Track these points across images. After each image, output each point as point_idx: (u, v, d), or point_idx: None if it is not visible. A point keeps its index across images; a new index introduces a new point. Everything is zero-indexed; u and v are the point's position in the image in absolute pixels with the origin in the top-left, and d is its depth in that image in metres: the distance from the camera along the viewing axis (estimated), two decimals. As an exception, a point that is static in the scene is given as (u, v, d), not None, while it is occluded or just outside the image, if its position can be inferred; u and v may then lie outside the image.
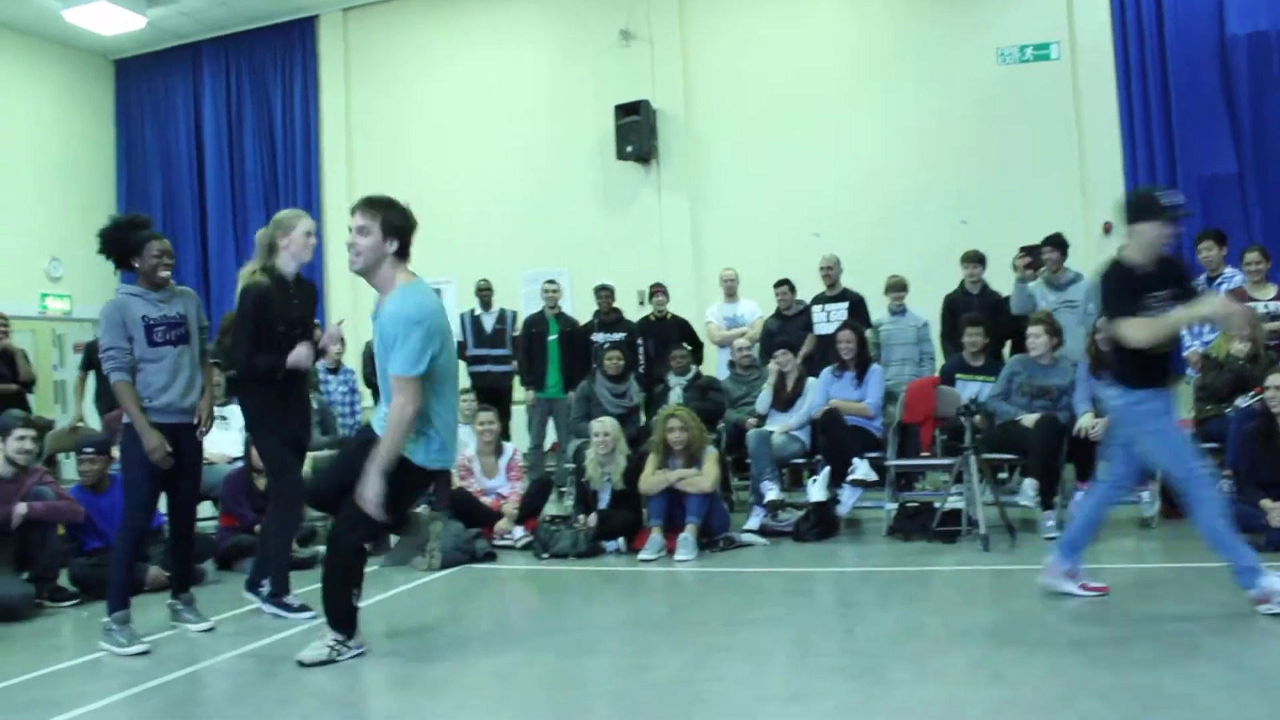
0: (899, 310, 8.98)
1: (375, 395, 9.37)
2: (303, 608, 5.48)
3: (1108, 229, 10.28)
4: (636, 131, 11.80)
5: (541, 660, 4.58)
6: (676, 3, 12.14)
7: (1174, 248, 9.83)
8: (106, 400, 8.68)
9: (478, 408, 8.25)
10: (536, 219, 12.39)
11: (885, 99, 11.30)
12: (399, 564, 6.84)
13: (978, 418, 7.03)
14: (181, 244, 14.15)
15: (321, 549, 6.70)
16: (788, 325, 9.37)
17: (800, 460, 7.96)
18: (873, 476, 7.40)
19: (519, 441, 9.37)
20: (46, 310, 13.39)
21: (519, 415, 10.31)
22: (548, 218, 12.35)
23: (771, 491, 7.46)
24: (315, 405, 7.43)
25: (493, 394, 9.65)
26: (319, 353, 5.85)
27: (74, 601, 6.14)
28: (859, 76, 11.47)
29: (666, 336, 9.73)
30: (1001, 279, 8.86)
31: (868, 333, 8.63)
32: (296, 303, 5.50)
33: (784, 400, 8.10)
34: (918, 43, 11.27)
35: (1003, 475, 8.06)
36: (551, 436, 10.12)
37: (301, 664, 4.40)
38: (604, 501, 7.33)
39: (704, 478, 7.00)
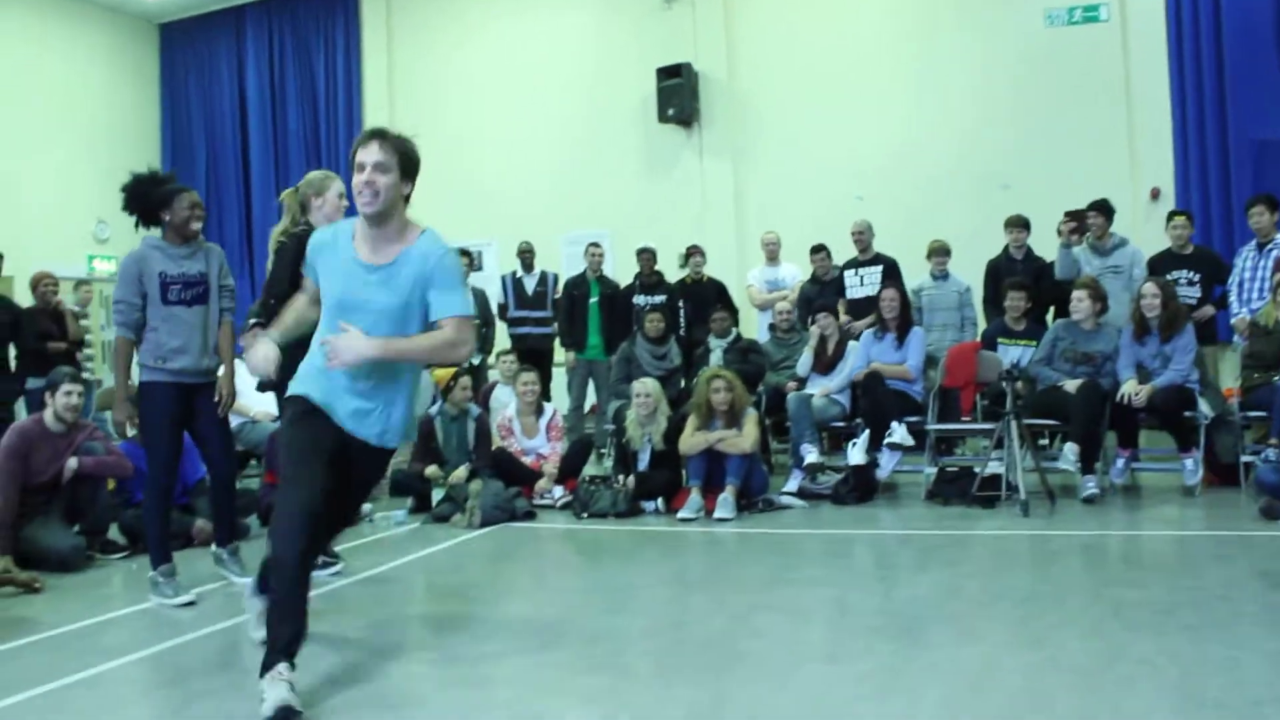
0: (941, 275, 8.91)
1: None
2: (326, 563, 5.49)
3: (1155, 194, 10.15)
4: (678, 94, 11.74)
5: (581, 617, 4.62)
6: (719, -36, 12.05)
7: (1224, 214, 9.81)
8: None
9: (519, 369, 8.29)
10: (577, 182, 12.39)
11: (930, 61, 11.17)
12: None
13: (1019, 383, 6.98)
14: (225, 206, 14.31)
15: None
16: (825, 290, 9.32)
17: (840, 424, 7.95)
18: (909, 441, 7.37)
19: (559, 403, 9.41)
20: (94, 272, 13.55)
21: (559, 377, 10.34)
22: (589, 181, 12.34)
23: (811, 454, 7.46)
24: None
25: (534, 355, 9.70)
26: None
27: (123, 554, 6.27)
28: (903, 37, 11.35)
29: (703, 298, 9.71)
30: (1045, 244, 8.77)
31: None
32: None
33: (824, 364, 8.08)
34: (966, 4, 11.12)
35: (1043, 441, 8.02)
36: (591, 398, 10.15)
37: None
38: (643, 462, 7.36)
39: (744, 439, 7.01)
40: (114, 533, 6.51)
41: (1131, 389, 6.93)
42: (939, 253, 8.91)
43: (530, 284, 10.43)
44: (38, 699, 3.64)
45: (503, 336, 10.52)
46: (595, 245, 10.21)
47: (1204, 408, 7.08)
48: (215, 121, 14.72)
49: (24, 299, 9.63)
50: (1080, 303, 7.33)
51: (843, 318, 8.77)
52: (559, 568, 6.24)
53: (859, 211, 9.76)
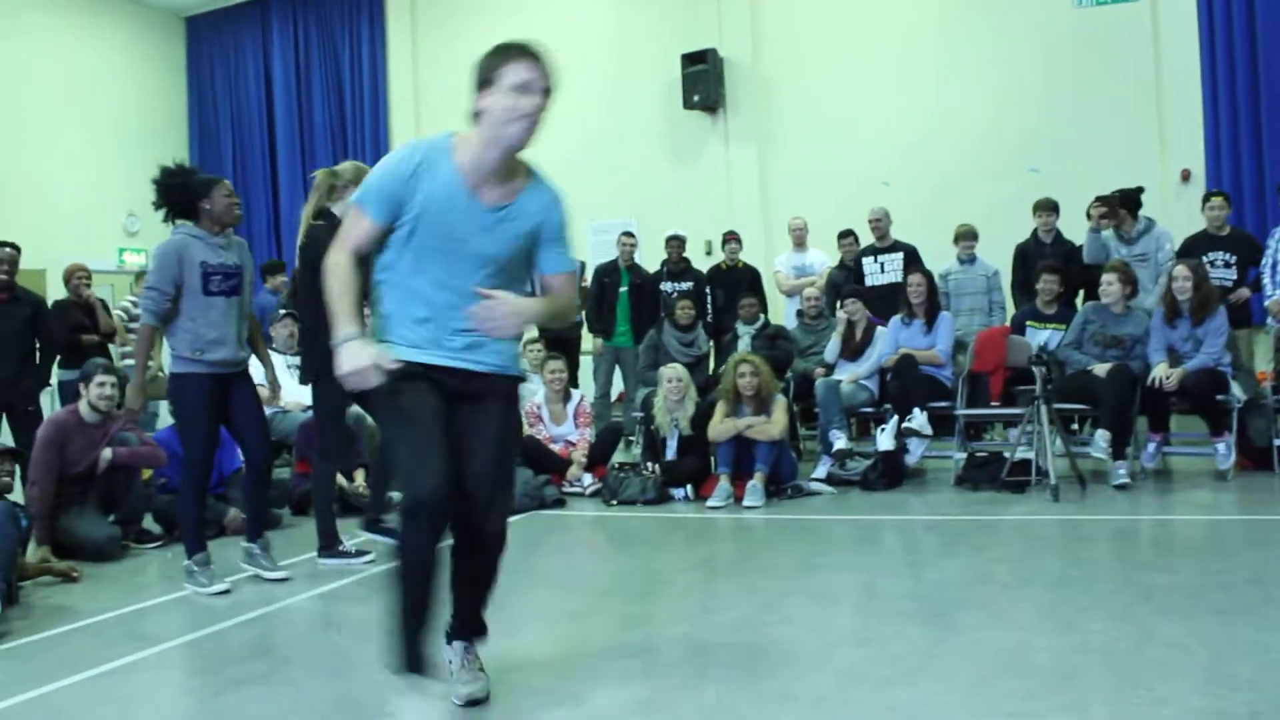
0: (968, 259, 8.86)
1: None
2: (360, 552, 5.56)
3: (1186, 176, 10.05)
4: (703, 80, 11.72)
5: (611, 603, 4.65)
6: (743, -51, 12.00)
7: (1256, 196, 9.71)
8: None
9: (546, 356, 8.31)
10: (603, 169, 12.37)
11: (957, 43, 11.10)
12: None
13: (1048, 367, 6.95)
14: (252, 197, 14.40)
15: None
16: (852, 276, 9.30)
17: (868, 409, 7.93)
18: (928, 430, 7.33)
19: (586, 390, 9.43)
20: (124, 265, 13.68)
21: (586, 364, 10.36)
22: (614, 168, 12.32)
23: (839, 440, 7.46)
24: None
25: (561, 343, 9.71)
26: None
27: (158, 543, 6.35)
28: (930, 20, 11.28)
29: (737, 284, 9.69)
30: (1075, 228, 8.71)
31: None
32: None
33: (852, 349, 8.07)
34: (992, -15, 11.05)
35: (1073, 426, 7.97)
36: (618, 386, 10.17)
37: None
38: (671, 449, 7.37)
39: (773, 425, 7.01)
40: (148, 522, 6.60)
41: (1163, 372, 6.88)
42: (966, 236, 8.86)
43: (559, 272, 10.41)
44: (78, 686, 3.70)
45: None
46: (629, 235, 10.17)
47: (1236, 391, 7.02)
48: (242, 113, 14.83)
49: (56, 292, 9.75)
50: (1110, 286, 7.28)
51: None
52: (589, 555, 6.27)
53: (886, 196, 9.72)
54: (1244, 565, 4.72)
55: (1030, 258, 8.56)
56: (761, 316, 8.97)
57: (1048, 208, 8.74)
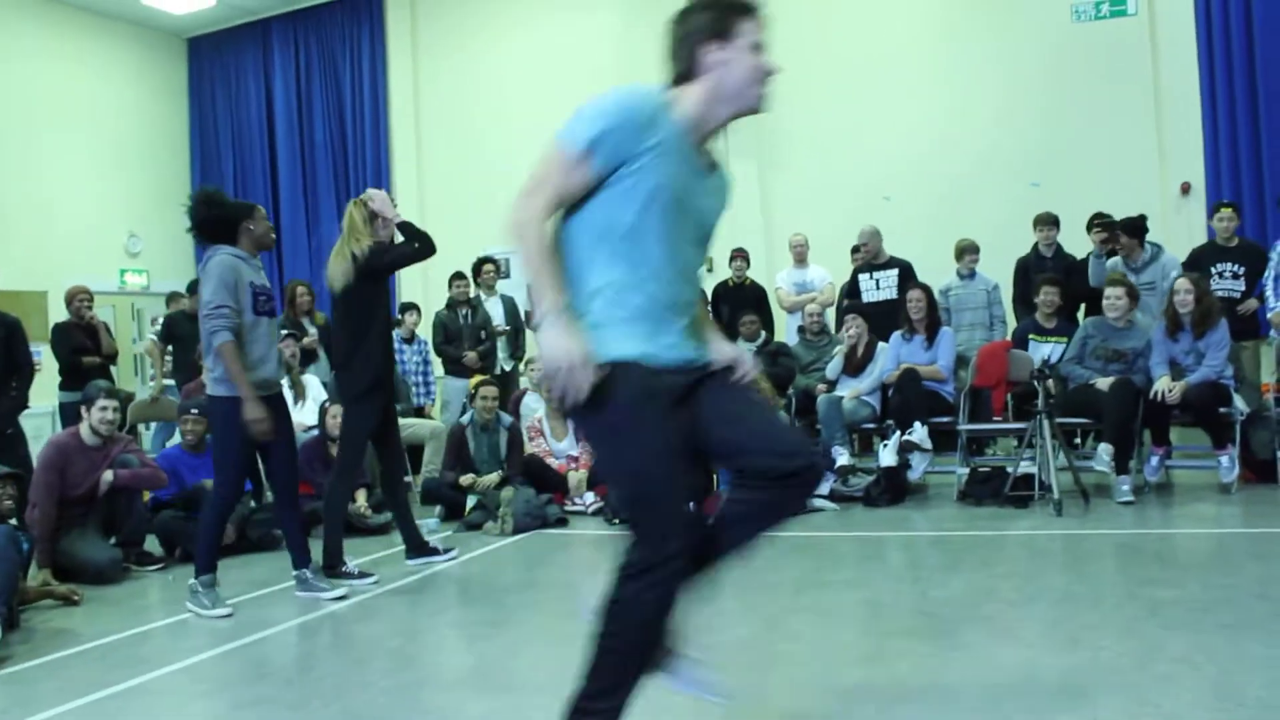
0: (969, 274, 8.86)
1: (447, 364, 9.56)
2: (363, 574, 5.61)
3: (1185, 189, 10.05)
4: (702, 99, 11.71)
5: (614, 622, 4.62)
6: (742, -35, 12.01)
7: (1256, 208, 9.69)
8: (185, 372, 8.90)
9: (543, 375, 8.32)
10: (604, 187, 12.38)
11: (957, 59, 11.12)
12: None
13: (1051, 381, 6.94)
14: (254, 218, 14.40)
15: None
16: (848, 293, 9.30)
17: (870, 425, 7.92)
18: (927, 444, 7.31)
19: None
20: (125, 285, 13.69)
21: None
22: (615, 186, 12.31)
23: (842, 457, 7.44)
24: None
25: (562, 362, 9.74)
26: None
27: (159, 565, 6.33)
28: (930, 35, 11.30)
29: (744, 301, 9.69)
30: (1075, 242, 8.71)
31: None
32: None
33: (854, 365, 8.06)
34: (990, 1, 11.06)
35: (1076, 440, 7.96)
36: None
37: None
38: (674, 469, 7.35)
39: (774, 443, 6.98)
40: (150, 544, 6.58)
41: (1165, 386, 6.87)
42: (967, 251, 8.87)
43: (555, 291, 10.43)
44: (79, 710, 3.69)
45: (532, 344, 10.55)
46: None
47: (1239, 404, 7.01)
48: (243, 134, 14.85)
49: (58, 314, 9.76)
50: (1118, 299, 7.24)
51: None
52: (591, 574, 6.23)
53: (888, 211, 9.72)
54: (1249, 579, 4.69)
55: (1031, 272, 8.56)
56: (763, 333, 8.97)
57: (1048, 222, 8.75)
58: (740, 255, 10.13)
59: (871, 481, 7.39)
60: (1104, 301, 7.34)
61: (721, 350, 2.76)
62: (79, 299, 8.98)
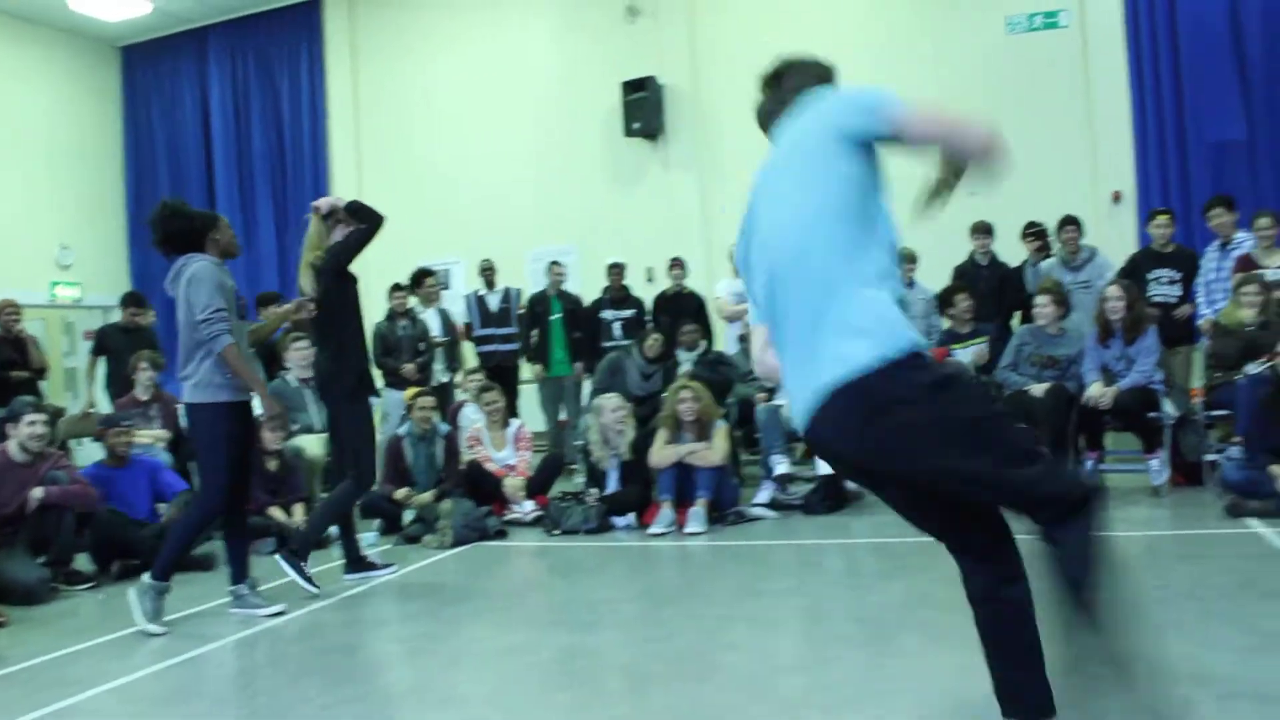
0: (908, 283, 8.95)
1: (386, 376, 9.48)
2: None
3: (1116, 198, 10.24)
4: (643, 108, 11.76)
5: (554, 633, 4.61)
6: (683, -22, 12.08)
7: (1184, 216, 9.88)
8: (118, 385, 8.76)
9: (481, 387, 8.34)
10: (544, 197, 12.38)
11: (892, 69, 11.19)
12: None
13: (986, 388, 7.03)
14: (190, 229, 14.19)
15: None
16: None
17: (811, 434, 7.94)
18: None
19: (534, 420, 9.43)
20: (56, 298, 13.43)
21: (528, 393, 10.37)
22: (556, 196, 12.33)
23: (781, 465, 7.47)
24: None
25: (501, 372, 9.73)
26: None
27: (89, 584, 6.19)
28: (867, 47, 11.39)
29: (682, 310, 9.72)
30: (1010, 249, 8.83)
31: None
32: None
33: (794, 375, 8.09)
34: (928, 13, 11.20)
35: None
36: (562, 414, 10.17)
37: None
38: (613, 480, 7.35)
39: (714, 451, 7.02)
40: (80, 562, 6.44)
41: (1097, 391, 6.98)
42: (905, 260, 8.95)
43: (494, 301, 10.44)
44: (4, 733, 3.60)
45: (470, 355, 10.53)
46: (557, 264, 10.28)
47: (1168, 408, 7.15)
48: (179, 145, 14.61)
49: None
50: (1044, 307, 7.39)
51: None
52: (531, 585, 6.22)
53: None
54: (1180, 580, 4.78)
55: (968, 280, 8.67)
56: (703, 343, 8.99)
57: (983, 230, 8.87)
58: (678, 264, 10.16)
59: (811, 490, 7.43)
60: (1033, 309, 7.47)
61: None
62: (6, 312, 8.82)
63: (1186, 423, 7.31)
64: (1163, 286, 8.01)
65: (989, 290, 8.58)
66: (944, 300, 8.41)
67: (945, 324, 8.86)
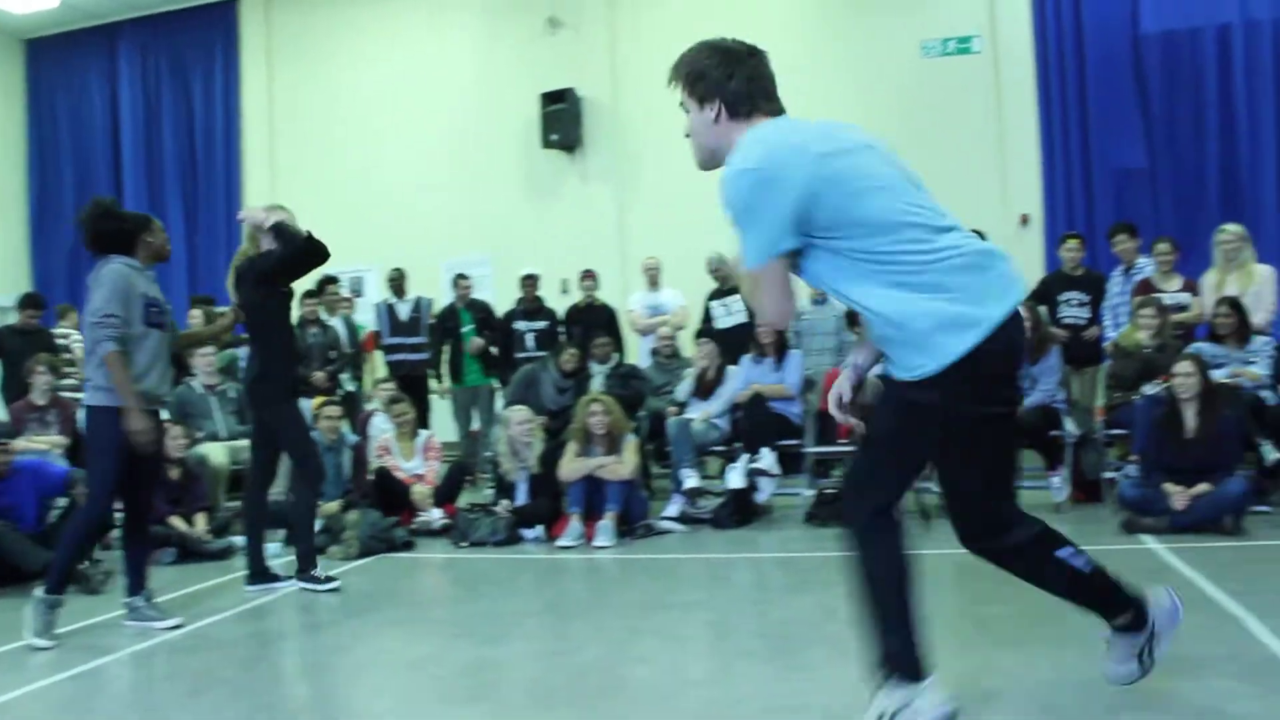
0: (820, 300, 9.03)
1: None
2: (330, 578, 5.80)
3: (1024, 221, 10.48)
4: (562, 120, 11.75)
5: (459, 647, 4.56)
6: (604, -10, 12.11)
7: (1088, 241, 10.15)
8: (14, 389, 8.51)
9: (391, 398, 8.27)
10: (460, 207, 12.30)
11: (809, 90, 11.17)
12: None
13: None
14: (96, 230, 13.84)
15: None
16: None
17: (720, 448, 8.01)
18: (776, 469, 7.46)
19: (447, 430, 9.36)
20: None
21: (438, 403, 10.29)
22: (472, 206, 12.26)
23: (691, 479, 7.50)
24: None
25: (411, 382, 9.65)
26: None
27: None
28: (785, 66, 11.25)
29: (594, 322, 9.72)
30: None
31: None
32: None
33: (705, 388, 8.15)
34: (844, 34, 11.35)
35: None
36: (475, 424, 10.11)
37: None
38: (522, 492, 7.31)
39: (623, 465, 7.03)
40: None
41: (1006, 408, 7.12)
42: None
43: (403, 310, 10.34)
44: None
45: (380, 365, 10.43)
46: (463, 277, 10.18)
47: (1070, 426, 7.32)
48: (85, 143, 14.24)
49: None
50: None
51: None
52: (437, 598, 6.16)
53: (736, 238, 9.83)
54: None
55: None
56: (615, 356, 8.99)
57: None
58: (590, 276, 10.17)
59: (720, 504, 7.46)
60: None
61: None
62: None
63: (1087, 441, 7.49)
64: (1073, 309, 8.25)
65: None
66: (851, 318, 8.51)
67: (854, 338, 8.98)
